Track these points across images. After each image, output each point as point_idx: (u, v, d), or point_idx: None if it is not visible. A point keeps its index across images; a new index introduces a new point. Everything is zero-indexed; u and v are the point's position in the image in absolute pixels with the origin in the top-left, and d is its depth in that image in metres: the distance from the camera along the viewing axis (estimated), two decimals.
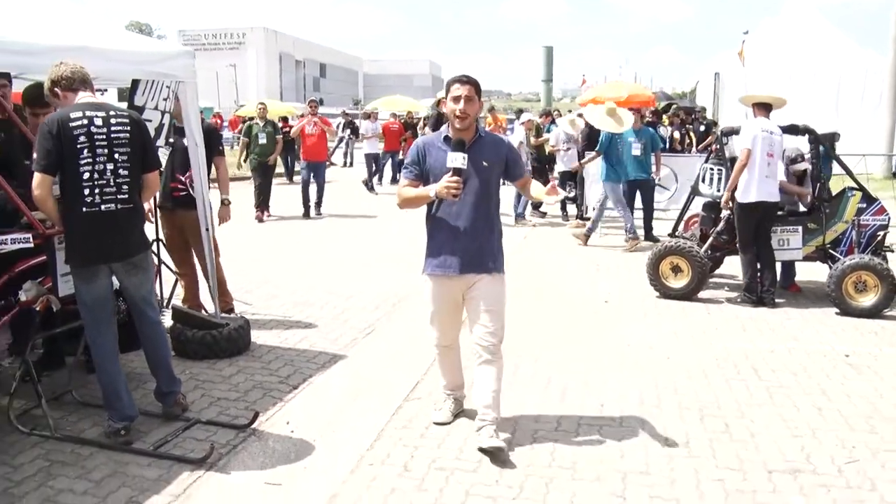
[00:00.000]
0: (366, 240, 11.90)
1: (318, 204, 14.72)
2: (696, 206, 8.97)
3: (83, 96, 4.36)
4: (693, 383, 5.51)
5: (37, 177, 4.13)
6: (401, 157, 20.27)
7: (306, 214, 14.41)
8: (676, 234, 8.86)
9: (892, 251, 8.00)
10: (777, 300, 7.81)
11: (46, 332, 4.77)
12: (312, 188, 14.59)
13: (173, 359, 5.12)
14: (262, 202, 14.17)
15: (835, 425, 4.78)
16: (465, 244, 4.31)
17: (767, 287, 7.79)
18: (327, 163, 17.15)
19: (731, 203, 7.80)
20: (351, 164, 27.58)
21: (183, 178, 6.39)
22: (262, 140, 14.46)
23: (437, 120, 15.18)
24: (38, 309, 4.41)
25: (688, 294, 7.99)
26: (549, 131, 15.01)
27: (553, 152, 14.14)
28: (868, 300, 7.34)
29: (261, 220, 13.81)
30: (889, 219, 7.84)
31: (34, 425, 4.60)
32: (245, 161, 16.03)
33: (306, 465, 4.28)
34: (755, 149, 7.57)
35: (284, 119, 25.57)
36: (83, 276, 4.29)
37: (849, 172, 8.09)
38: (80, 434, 4.57)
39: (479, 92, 4.36)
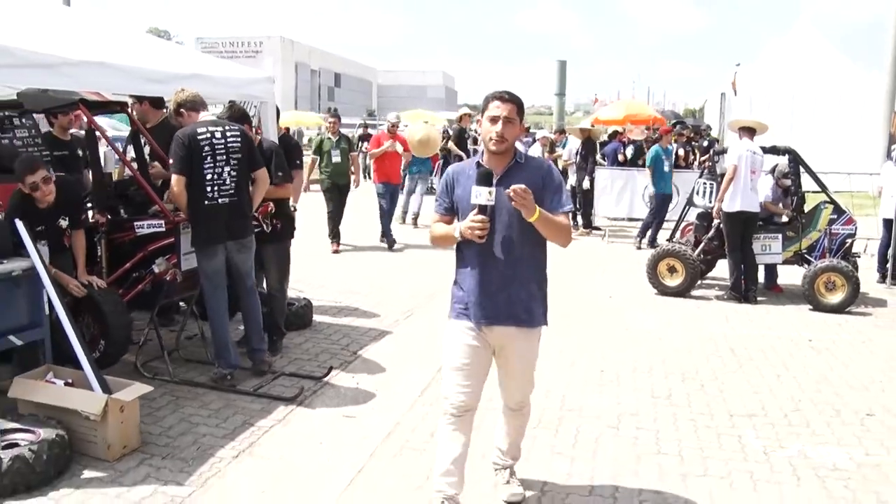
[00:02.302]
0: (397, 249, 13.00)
1: (390, 230, 12.42)
2: (692, 216, 10.20)
3: (203, 115, 5.63)
4: (678, 356, 6.74)
5: (174, 178, 5.41)
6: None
7: (390, 245, 12.30)
8: (674, 239, 10.07)
9: (860, 256, 9.21)
10: (759, 298, 9.02)
11: (169, 298, 6.05)
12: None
13: None
14: (336, 234, 11.92)
15: (789, 387, 6.00)
16: (491, 293, 3.71)
17: (750, 286, 9.00)
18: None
19: (720, 213, 9.02)
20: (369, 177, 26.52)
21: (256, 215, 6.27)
22: (336, 158, 11.78)
23: (459, 136, 16.42)
24: (168, 279, 5.67)
25: (681, 291, 9.20)
26: (563, 147, 16.25)
27: (566, 167, 15.36)
28: (836, 298, 8.54)
29: (337, 252, 11.73)
30: (856, 228, 9.04)
31: (155, 373, 5.85)
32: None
33: (372, 406, 5.51)
34: (741, 165, 8.77)
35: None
36: (205, 253, 5.55)
37: (823, 187, 9.30)
38: (191, 380, 5.81)
39: (521, 112, 3.73)
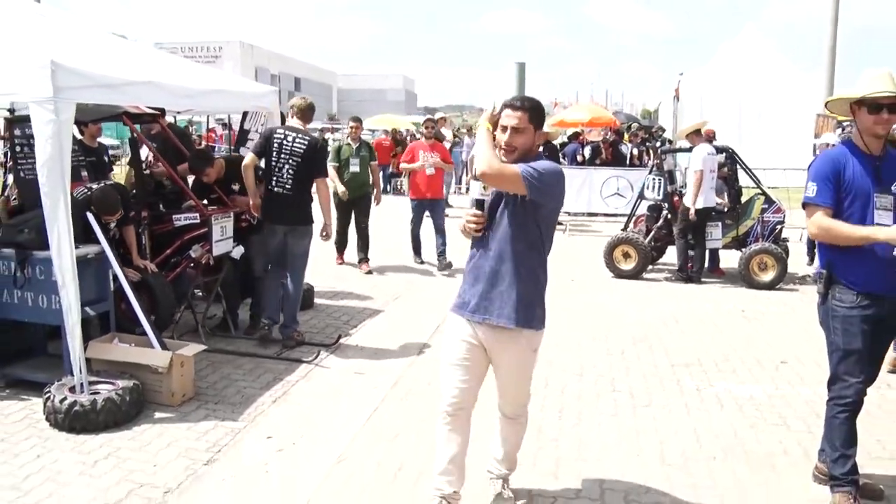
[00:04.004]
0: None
1: (442, 255, 10.82)
2: (643, 208, 11.43)
3: (292, 122, 7.01)
4: (631, 326, 7.94)
5: (250, 155, 6.86)
6: (391, 170, 22.51)
7: (444, 267, 10.76)
8: (627, 229, 11.28)
9: (788, 241, 10.52)
10: (703, 279, 10.26)
11: (203, 278, 7.11)
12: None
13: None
14: (343, 246, 10.99)
15: (721, 346, 7.23)
16: (483, 288, 3.74)
17: (697, 269, 10.22)
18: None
19: (689, 209, 10.05)
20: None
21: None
22: (354, 167, 10.45)
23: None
24: (202, 262, 6.73)
25: (635, 274, 10.43)
26: None
27: None
28: (768, 276, 9.82)
29: (341, 264, 10.96)
30: (784, 216, 10.32)
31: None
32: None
33: (378, 365, 6.61)
34: (705, 168, 9.92)
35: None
36: (269, 231, 6.91)
37: (756, 181, 10.58)
38: (222, 348, 6.86)
39: (536, 120, 3.70)
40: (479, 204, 3.70)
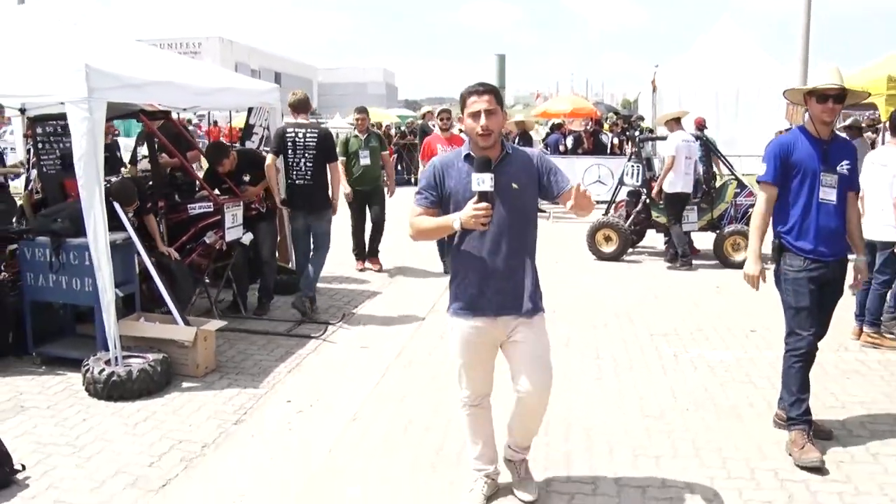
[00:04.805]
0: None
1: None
2: (623, 194, 12.05)
3: (299, 117, 7.67)
4: (612, 301, 8.55)
5: (270, 156, 7.53)
6: None
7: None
8: (608, 214, 11.89)
9: None
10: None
11: (217, 262, 7.65)
12: None
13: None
14: (361, 251, 10.35)
15: (696, 317, 7.85)
16: (499, 282, 3.73)
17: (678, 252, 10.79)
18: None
19: (660, 193, 10.67)
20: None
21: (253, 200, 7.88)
22: (365, 160, 9.92)
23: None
24: (216, 247, 7.27)
25: (616, 256, 11.03)
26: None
27: None
28: (740, 256, 10.40)
29: (362, 270, 10.21)
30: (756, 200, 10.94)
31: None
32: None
33: (380, 339, 7.17)
34: (678, 155, 10.49)
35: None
36: (292, 217, 7.89)
37: (729, 167, 11.21)
38: (235, 327, 7.40)
39: (500, 101, 3.73)
40: (487, 196, 3.53)
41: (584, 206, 3.58)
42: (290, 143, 7.56)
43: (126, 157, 10.30)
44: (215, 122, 28.34)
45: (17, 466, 4.37)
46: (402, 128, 24.62)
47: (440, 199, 3.77)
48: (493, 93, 3.70)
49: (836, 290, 4.75)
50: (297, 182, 7.63)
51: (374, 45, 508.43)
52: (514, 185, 3.69)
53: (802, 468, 4.42)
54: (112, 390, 5.51)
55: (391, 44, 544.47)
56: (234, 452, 4.79)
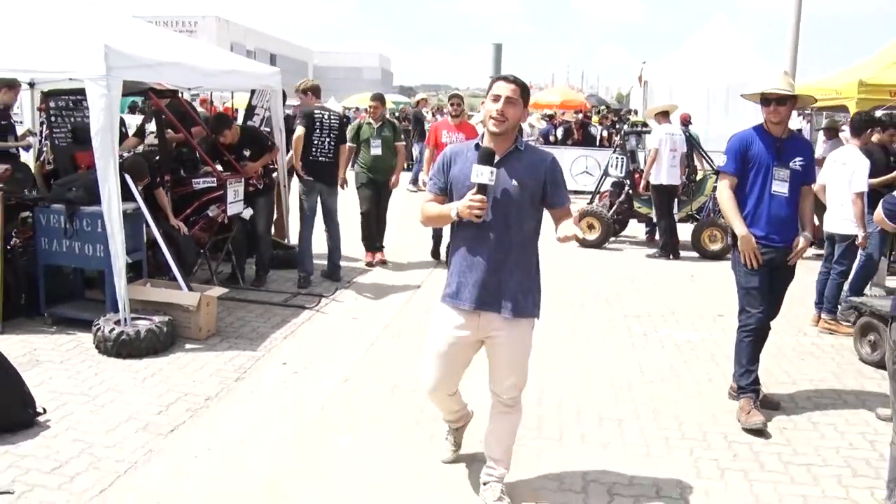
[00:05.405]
0: None
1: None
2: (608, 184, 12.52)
3: (312, 99, 8.30)
4: (592, 285, 9.03)
5: (301, 129, 8.26)
6: None
7: (435, 254, 10.06)
8: (593, 203, 12.36)
9: None
10: (655, 251, 11.36)
11: (218, 235, 8.08)
12: None
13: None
14: (371, 239, 9.80)
15: (669, 301, 8.34)
16: (482, 276, 3.69)
17: (672, 242, 11.18)
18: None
19: (647, 186, 11.12)
20: None
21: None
22: (376, 150, 9.43)
23: (416, 119, 18.48)
24: (219, 220, 7.70)
25: (598, 244, 11.50)
26: None
27: None
28: (717, 246, 10.93)
29: (371, 265, 9.70)
30: None
31: None
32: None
33: (370, 311, 7.63)
34: (661, 147, 10.93)
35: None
36: (307, 191, 8.40)
37: (710, 162, 11.69)
38: (234, 297, 7.84)
39: (525, 96, 3.70)
40: (484, 188, 3.52)
41: (566, 237, 3.60)
42: (317, 124, 8.31)
43: (131, 134, 10.73)
44: (211, 102, 28.50)
45: (39, 409, 4.81)
46: (396, 114, 24.95)
47: (447, 186, 3.77)
48: (522, 86, 3.66)
49: (786, 273, 5.23)
50: (319, 159, 8.38)
51: (371, 30, 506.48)
52: (514, 182, 3.64)
53: (747, 431, 4.92)
54: (121, 348, 5.95)
55: (387, 30, 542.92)
56: (235, 405, 5.24)
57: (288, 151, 8.99)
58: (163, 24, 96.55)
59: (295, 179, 8.78)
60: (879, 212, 3.96)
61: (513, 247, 3.71)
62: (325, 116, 8.43)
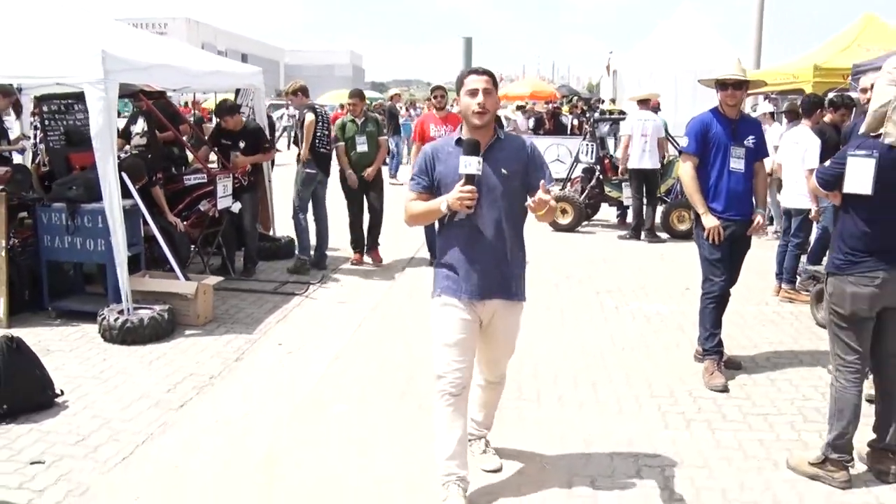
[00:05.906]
0: None
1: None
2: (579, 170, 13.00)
3: (307, 100, 8.65)
4: (566, 265, 9.49)
5: (310, 116, 8.71)
6: None
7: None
8: (565, 189, 12.82)
9: None
10: (625, 233, 11.83)
11: (208, 229, 8.45)
12: None
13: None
14: (360, 240, 9.61)
15: (638, 278, 8.82)
16: (484, 266, 3.74)
17: (648, 226, 11.58)
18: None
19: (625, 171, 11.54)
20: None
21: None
22: (362, 146, 9.27)
23: (391, 114, 18.85)
24: (209, 215, 8.08)
25: (571, 227, 11.98)
26: None
27: None
28: (684, 226, 11.43)
29: (359, 263, 9.55)
30: None
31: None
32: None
33: (357, 296, 8.04)
34: (634, 133, 11.37)
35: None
36: (307, 180, 8.90)
37: (676, 146, 12.16)
38: (226, 286, 8.21)
39: (496, 85, 3.77)
40: (473, 179, 3.54)
41: (539, 208, 3.46)
42: (321, 118, 8.93)
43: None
44: (186, 103, 28.91)
45: (58, 391, 5.19)
46: (370, 110, 24.97)
47: (432, 185, 3.77)
48: (491, 76, 3.75)
49: (744, 244, 5.71)
50: (320, 150, 8.99)
51: (341, 26, 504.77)
52: (504, 171, 3.70)
53: (711, 390, 5.39)
54: (126, 335, 6.33)
55: (357, 25, 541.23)
56: (237, 382, 5.65)
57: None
58: (132, 25, 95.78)
59: (291, 168, 9.29)
60: (813, 180, 4.40)
61: (510, 234, 3.78)
62: (323, 111, 9.07)
